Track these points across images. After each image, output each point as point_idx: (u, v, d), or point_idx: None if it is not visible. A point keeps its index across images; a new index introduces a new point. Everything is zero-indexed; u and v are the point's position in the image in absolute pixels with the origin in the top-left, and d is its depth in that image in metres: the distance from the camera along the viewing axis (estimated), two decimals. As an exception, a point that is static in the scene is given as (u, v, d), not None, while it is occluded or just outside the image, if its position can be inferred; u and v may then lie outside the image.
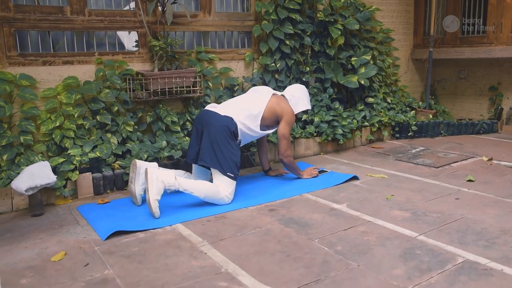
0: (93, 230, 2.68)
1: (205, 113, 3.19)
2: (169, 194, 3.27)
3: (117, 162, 3.51)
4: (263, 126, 3.32)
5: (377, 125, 4.86)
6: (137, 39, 3.89)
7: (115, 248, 2.42)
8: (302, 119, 4.52)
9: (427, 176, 3.61)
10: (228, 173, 3.02)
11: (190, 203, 3.08)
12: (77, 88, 3.51)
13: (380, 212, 2.83)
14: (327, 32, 4.69)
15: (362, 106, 4.93)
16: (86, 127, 3.50)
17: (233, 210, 2.95)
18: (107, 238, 2.53)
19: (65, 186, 3.26)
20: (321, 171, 3.71)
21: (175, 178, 2.88)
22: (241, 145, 3.28)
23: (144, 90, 3.75)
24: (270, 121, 3.34)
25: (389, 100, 5.25)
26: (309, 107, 3.59)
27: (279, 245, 2.39)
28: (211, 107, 3.25)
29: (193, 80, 3.89)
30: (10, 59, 3.34)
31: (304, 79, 4.63)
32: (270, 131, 3.39)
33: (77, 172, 3.25)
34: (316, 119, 4.47)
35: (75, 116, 3.44)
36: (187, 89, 3.89)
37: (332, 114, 4.54)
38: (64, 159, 3.27)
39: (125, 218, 2.82)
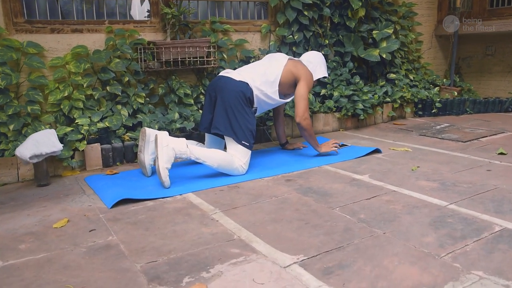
0: (99, 199, 2.53)
1: (219, 79, 3.00)
2: (180, 165, 3.12)
3: (128, 134, 3.36)
4: (281, 94, 3.12)
5: (399, 101, 4.63)
6: (149, 8, 3.72)
7: (121, 216, 2.26)
8: (321, 94, 4.32)
9: (454, 150, 3.38)
10: (243, 142, 2.84)
11: (202, 174, 2.91)
12: (86, 57, 3.36)
13: (405, 183, 2.63)
14: (347, 3, 4.46)
15: (384, 82, 4.69)
16: (96, 98, 3.35)
17: (248, 181, 2.78)
18: (113, 206, 2.39)
19: (72, 157, 3.13)
20: (341, 145, 3.50)
21: (187, 146, 2.71)
22: (257, 114, 3.10)
23: (155, 60, 3.59)
24: (288, 86, 3.12)
25: (411, 77, 5.01)
26: (326, 75, 3.36)
27: (296, 213, 2.21)
28: (225, 73, 3.06)
29: (207, 50, 3.71)
30: (16, 26, 3.20)
31: (323, 52, 4.41)
32: (288, 100, 3.19)
33: (85, 142, 3.11)
34: (336, 94, 4.26)
35: (84, 86, 3.29)
36: (200, 59, 3.72)
37: (352, 88, 4.32)
38: (72, 129, 3.13)
39: (134, 188, 2.67)
